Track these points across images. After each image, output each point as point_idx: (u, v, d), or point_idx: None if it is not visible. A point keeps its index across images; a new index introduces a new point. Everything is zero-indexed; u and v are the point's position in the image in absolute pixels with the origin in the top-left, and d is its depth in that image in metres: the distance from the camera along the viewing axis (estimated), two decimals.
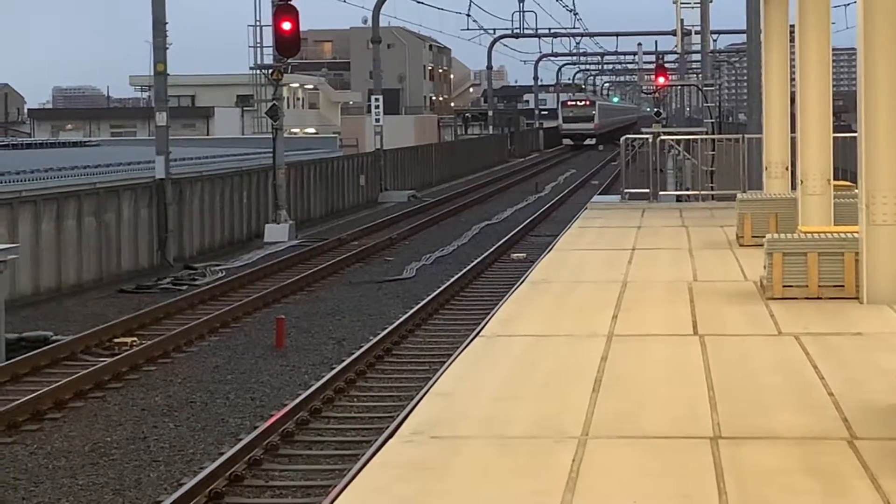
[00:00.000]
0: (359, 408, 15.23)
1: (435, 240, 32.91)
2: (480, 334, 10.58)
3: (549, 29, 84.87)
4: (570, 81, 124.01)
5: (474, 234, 34.42)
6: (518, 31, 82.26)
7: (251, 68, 36.67)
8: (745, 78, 33.18)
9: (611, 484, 6.44)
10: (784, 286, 11.92)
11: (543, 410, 7.89)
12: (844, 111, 73.98)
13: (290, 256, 28.96)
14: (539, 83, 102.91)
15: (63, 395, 15.40)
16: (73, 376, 16.11)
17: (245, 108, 65.96)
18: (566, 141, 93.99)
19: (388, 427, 13.02)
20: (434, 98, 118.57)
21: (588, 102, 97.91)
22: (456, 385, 8.71)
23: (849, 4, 48.91)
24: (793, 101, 16.55)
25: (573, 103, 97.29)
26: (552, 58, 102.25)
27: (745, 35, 31.02)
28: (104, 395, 15.81)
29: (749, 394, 8.21)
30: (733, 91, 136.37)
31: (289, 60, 34.92)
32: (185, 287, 24.92)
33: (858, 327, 10.50)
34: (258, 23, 35.85)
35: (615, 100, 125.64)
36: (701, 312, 11.31)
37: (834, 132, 15.26)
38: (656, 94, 63.40)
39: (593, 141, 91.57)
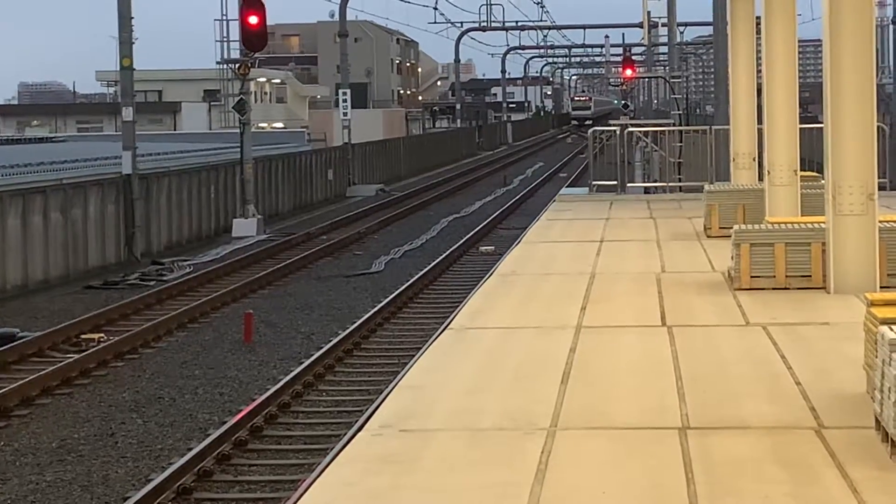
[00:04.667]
0: (328, 402, 15.20)
1: (403, 233, 32.87)
2: (449, 327, 10.58)
3: (517, 22, 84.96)
4: (538, 75, 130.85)
5: (443, 227, 34.39)
6: (485, 24, 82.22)
7: (218, 63, 36.48)
8: (712, 70, 33.27)
9: (580, 475, 6.45)
10: (752, 277, 11.98)
11: (512, 402, 7.89)
12: (811, 102, 74.25)
13: (258, 251, 28.87)
14: (507, 76, 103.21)
15: (30, 391, 15.30)
16: (41, 373, 16.00)
17: (212, 103, 65.69)
18: (573, 122, 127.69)
19: (357, 421, 12.98)
20: (402, 91, 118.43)
21: (588, 98, 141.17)
22: (425, 378, 8.70)
23: None
24: (759, 92, 16.61)
25: (578, 98, 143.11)
26: (520, 51, 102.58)
27: (711, 27, 31.15)
28: (71, 392, 15.72)
29: (717, 384, 8.23)
30: (700, 83, 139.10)
31: (256, 55, 34.77)
32: (152, 282, 24.80)
33: (826, 317, 10.55)
34: (225, 17, 35.66)
35: None
36: (669, 303, 11.34)
37: (800, 123, 15.33)
38: (624, 87, 63.44)
39: (590, 122, 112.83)
